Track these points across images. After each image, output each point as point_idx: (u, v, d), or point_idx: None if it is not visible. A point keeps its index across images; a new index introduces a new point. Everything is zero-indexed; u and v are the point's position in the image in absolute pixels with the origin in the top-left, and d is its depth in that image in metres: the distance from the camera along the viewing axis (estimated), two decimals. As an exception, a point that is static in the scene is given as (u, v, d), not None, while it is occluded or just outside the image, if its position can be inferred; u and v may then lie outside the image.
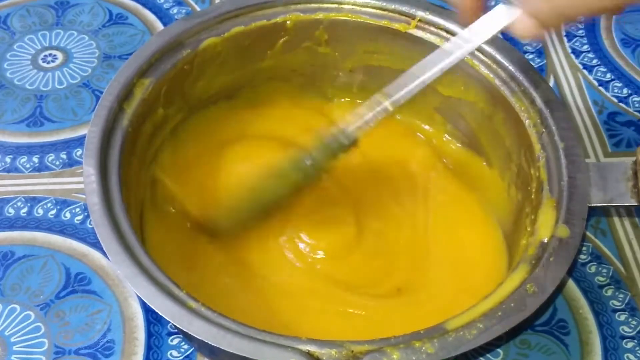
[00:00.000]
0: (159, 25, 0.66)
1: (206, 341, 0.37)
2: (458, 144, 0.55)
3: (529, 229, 0.44)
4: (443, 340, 0.37)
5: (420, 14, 0.52)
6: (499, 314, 0.39)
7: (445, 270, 0.49)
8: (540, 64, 0.65)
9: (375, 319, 0.46)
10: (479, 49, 0.51)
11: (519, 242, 0.45)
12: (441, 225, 0.52)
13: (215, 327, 0.38)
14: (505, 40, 0.51)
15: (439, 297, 0.48)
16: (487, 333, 0.38)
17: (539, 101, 0.48)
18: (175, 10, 0.68)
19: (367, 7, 0.53)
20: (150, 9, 0.68)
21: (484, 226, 0.51)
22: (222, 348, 0.37)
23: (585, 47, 0.66)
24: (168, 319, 0.38)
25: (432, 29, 0.52)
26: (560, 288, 0.50)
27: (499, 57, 0.50)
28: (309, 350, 0.37)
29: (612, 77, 0.64)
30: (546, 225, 0.43)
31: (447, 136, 0.56)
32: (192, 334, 0.38)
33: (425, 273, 0.49)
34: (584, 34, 0.67)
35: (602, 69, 0.64)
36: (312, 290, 0.48)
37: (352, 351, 0.37)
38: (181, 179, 0.52)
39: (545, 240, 0.42)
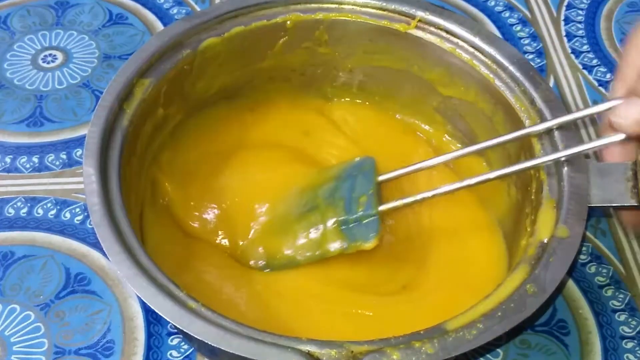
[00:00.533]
0: (159, 25, 0.66)
1: (206, 341, 0.37)
2: (458, 145, 0.55)
3: (529, 230, 0.44)
4: (443, 341, 0.37)
5: (420, 14, 0.52)
6: (499, 314, 0.38)
7: (447, 269, 0.49)
8: (540, 64, 0.65)
9: (381, 318, 0.46)
10: (479, 49, 0.51)
11: (519, 242, 0.45)
12: (443, 225, 0.52)
13: (215, 328, 0.38)
14: (505, 40, 0.51)
15: (441, 295, 0.48)
16: (487, 333, 0.38)
17: (538, 101, 0.48)
18: (175, 10, 0.68)
19: (367, 7, 0.53)
20: (150, 9, 0.68)
21: (484, 226, 0.51)
22: (222, 348, 0.37)
23: (585, 47, 0.66)
24: (168, 320, 0.38)
25: (432, 29, 0.52)
26: (560, 288, 0.50)
27: (499, 57, 0.50)
28: (308, 351, 0.37)
29: (612, 77, 0.64)
30: (546, 225, 0.43)
31: (447, 136, 0.56)
32: (192, 334, 0.37)
33: (429, 271, 0.49)
34: (584, 34, 0.67)
35: (602, 69, 0.64)
36: (318, 293, 0.48)
37: (352, 351, 0.37)
38: (180, 181, 0.52)
39: (545, 241, 0.42)
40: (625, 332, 0.49)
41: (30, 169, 0.56)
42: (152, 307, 0.38)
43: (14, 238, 0.52)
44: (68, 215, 0.53)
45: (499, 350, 0.48)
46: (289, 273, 0.48)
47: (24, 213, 0.53)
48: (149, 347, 0.47)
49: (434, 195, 0.46)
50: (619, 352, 0.48)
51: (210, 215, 0.51)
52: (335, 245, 0.48)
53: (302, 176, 0.52)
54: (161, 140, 0.52)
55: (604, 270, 0.52)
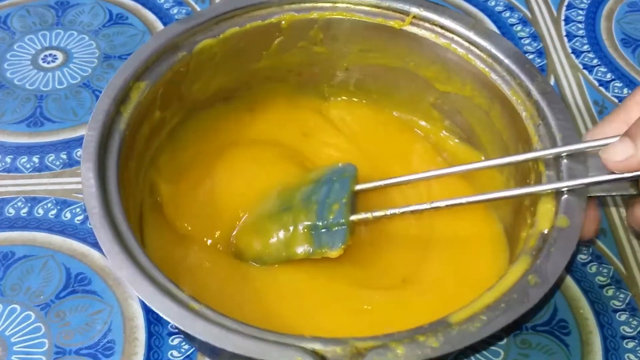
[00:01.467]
0: (159, 26, 0.66)
1: (208, 342, 0.37)
2: (456, 140, 0.55)
3: (528, 221, 0.44)
4: (447, 334, 0.37)
5: (414, 10, 0.52)
6: (502, 305, 0.38)
7: (447, 262, 0.49)
8: (540, 64, 0.65)
9: (382, 312, 0.46)
10: (474, 44, 0.51)
11: (519, 234, 0.45)
12: (442, 219, 0.52)
13: (217, 327, 0.37)
14: (502, 34, 0.51)
15: (442, 289, 0.48)
16: (490, 325, 0.38)
17: (535, 93, 0.48)
18: (175, 10, 0.68)
19: (362, 5, 0.53)
20: (150, 9, 0.68)
21: (484, 220, 0.51)
22: (225, 348, 0.37)
23: (585, 47, 0.66)
24: (169, 321, 0.38)
25: (427, 25, 0.52)
26: (559, 285, 0.50)
27: (494, 51, 0.50)
28: (313, 349, 0.37)
29: (612, 77, 0.64)
30: (546, 216, 0.43)
31: (444, 132, 0.56)
32: (194, 334, 0.37)
33: (429, 264, 0.49)
34: (584, 34, 0.67)
35: (602, 69, 0.64)
36: (319, 289, 0.48)
37: (357, 348, 0.37)
38: (176, 181, 0.52)
39: (546, 232, 0.42)
40: (626, 332, 0.49)
41: (31, 169, 0.56)
42: (153, 309, 0.38)
43: (14, 238, 0.52)
44: (68, 215, 0.53)
45: (500, 350, 0.48)
46: (288, 270, 0.48)
47: (24, 213, 0.53)
48: (149, 347, 0.47)
49: (402, 213, 0.46)
50: (620, 352, 0.48)
51: (199, 213, 0.50)
52: (302, 249, 0.48)
53: (292, 175, 0.52)
54: (159, 143, 0.52)
55: (605, 270, 0.51)
